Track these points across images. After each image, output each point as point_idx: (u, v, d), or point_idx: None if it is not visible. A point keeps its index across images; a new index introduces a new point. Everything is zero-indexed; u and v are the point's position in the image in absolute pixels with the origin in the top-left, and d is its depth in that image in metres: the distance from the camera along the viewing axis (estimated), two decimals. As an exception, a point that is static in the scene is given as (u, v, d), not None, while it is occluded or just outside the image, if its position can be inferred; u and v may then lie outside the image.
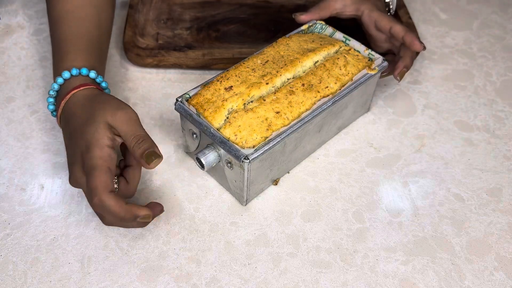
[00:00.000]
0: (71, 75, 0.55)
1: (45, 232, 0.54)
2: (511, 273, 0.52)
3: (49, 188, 0.58)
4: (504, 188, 0.60)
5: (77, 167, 0.49)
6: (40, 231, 0.54)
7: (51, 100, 0.57)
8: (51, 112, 0.57)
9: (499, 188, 0.60)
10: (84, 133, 0.50)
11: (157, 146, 0.50)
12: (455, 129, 0.67)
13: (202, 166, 0.53)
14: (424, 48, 0.63)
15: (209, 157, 0.53)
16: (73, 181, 0.50)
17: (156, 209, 0.52)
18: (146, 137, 0.50)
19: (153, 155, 0.48)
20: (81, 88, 0.54)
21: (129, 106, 0.52)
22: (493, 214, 0.57)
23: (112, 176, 0.48)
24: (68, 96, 0.54)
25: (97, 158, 0.48)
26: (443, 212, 0.57)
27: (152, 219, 0.50)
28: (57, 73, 0.57)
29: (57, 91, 0.56)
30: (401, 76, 0.64)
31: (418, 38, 0.64)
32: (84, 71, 0.55)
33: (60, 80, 0.55)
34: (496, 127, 0.67)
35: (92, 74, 0.56)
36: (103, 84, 0.57)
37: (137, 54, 0.71)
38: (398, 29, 0.63)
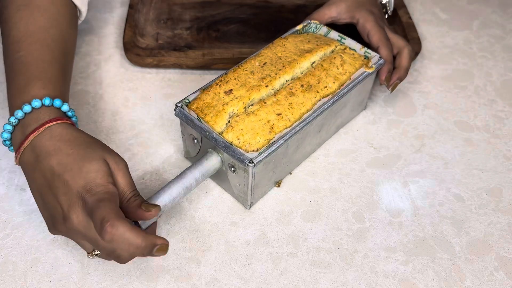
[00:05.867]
0: (42, 104, 0.49)
1: (45, 232, 0.54)
2: (511, 273, 0.52)
3: (49, 188, 0.58)
4: (504, 188, 0.60)
5: (77, 209, 0.44)
6: (40, 231, 0.54)
7: (9, 128, 0.49)
8: (4, 140, 0.50)
9: (499, 188, 0.60)
10: (81, 171, 0.45)
11: None
12: (455, 129, 0.67)
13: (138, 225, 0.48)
14: (387, 87, 0.64)
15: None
16: (72, 226, 0.44)
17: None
18: (138, 192, 0.47)
19: (150, 205, 0.46)
20: (58, 121, 0.48)
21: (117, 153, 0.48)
22: (493, 214, 0.57)
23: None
24: (42, 129, 0.47)
25: (104, 193, 0.44)
26: (443, 212, 0.57)
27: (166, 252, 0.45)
28: (21, 99, 0.50)
29: (19, 119, 0.49)
30: (393, 88, 0.64)
31: (390, 73, 0.63)
32: (57, 102, 0.50)
33: (27, 108, 0.48)
34: (496, 127, 0.67)
35: (65, 107, 0.50)
36: (74, 119, 0.52)
37: (137, 54, 0.71)
38: (383, 54, 0.62)
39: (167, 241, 0.44)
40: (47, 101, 0.49)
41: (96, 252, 0.47)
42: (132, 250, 0.43)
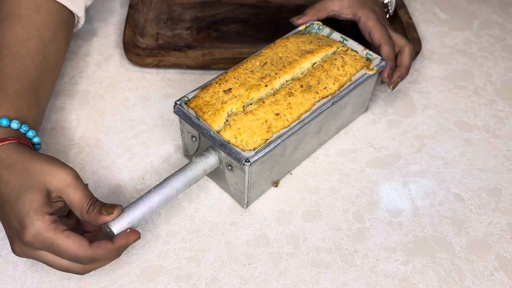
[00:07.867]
0: None
1: (45, 232, 0.54)
2: (511, 273, 0.52)
3: (49, 188, 0.58)
4: (504, 188, 0.60)
5: (18, 244, 0.44)
6: (40, 231, 0.54)
7: None
8: None
9: (499, 188, 0.60)
10: (17, 203, 0.43)
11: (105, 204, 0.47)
12: (455, 129, 0.67)
13: (112, 233, 0.47)
14: (388, 86, 0.64)
15: (119, 222, 0.47)
16: (20, 256, 0.46)
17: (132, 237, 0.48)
18: (96, 199, 0.46)
19: (110, 208, 0.46)
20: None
21: (65, 164, 0.46)
22: (493, 214, 0.57)
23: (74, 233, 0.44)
24: None
25: (45, 231, 0.43)
26: (443, 212, 0.57)
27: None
28: None
29: None
30: (394, 86, 0.64)
31: (392, 70, 0.63)
32: (3, 122, 0.48)
33: None
34: (496, 127, 0.67)
35: (14, 125, 0.48)
36: (29, 134, 0.50)
37: (137, 54, 0.71)
38: (385, 52, 0.62)
39: (138, 232, 0.48)
40: None
41: None
42: (112, 257, 0.47)
